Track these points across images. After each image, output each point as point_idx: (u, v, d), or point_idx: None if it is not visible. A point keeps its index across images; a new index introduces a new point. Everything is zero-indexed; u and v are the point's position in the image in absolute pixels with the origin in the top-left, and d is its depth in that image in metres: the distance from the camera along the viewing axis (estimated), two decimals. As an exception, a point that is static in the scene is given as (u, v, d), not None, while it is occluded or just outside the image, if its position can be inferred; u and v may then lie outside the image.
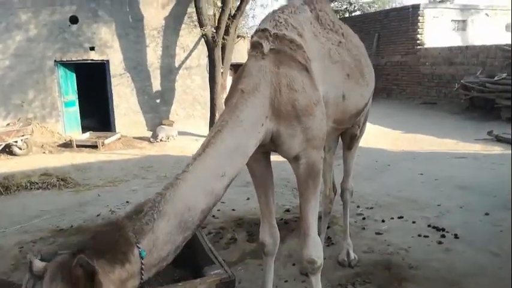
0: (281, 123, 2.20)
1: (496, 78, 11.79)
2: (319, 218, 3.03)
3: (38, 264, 1.61)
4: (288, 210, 5.21)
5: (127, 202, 5.86)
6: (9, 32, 10.76)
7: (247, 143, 2.06)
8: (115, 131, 11.52)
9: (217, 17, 11.32)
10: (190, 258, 2.43)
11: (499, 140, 8.93)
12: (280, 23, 2.38)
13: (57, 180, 7.09)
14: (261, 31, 2.34)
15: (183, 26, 11.91)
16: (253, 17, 17.77)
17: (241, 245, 4.24)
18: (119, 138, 11.01)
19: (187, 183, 1.86)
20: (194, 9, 11.05)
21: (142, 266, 1.70)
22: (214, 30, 10.84)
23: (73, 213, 5.50)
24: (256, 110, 2.11)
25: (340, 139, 3.64)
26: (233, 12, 11.24)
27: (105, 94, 11.84)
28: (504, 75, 11.64)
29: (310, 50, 2.41)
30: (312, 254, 2.48)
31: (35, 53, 10.96)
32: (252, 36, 2.41)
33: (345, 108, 2.70)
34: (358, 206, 5.13)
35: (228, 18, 10.91)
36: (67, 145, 10.40)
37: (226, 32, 10.96)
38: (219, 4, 11.79)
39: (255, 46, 2.30)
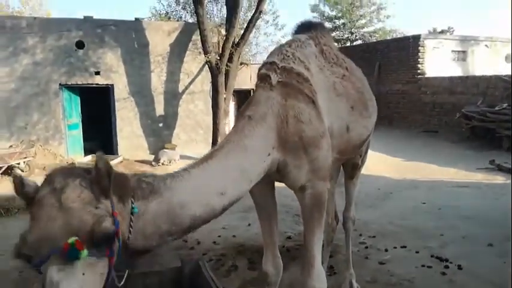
0: (288, 153, 2.21)
1: (496, 108, 11.88)
2: (322, 247, 3.01)
3: (30, 183, 1.53)
4: (289, 238, 5.17)
5: (128, 227, 5.82)
6: (16, 56, 10.94)
7: (251, 168, 2.06)
8: (117, 154, 11.55)
9: (221, 44, 11.53)
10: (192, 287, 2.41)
11: (500, 169, 8.93)
12: (288, 56, 2.44)
13: (59, 204, 7.06)
14: (269, 64, 2.39)
15: (188, 52, 12.12)
16: (256, 45, 18.13)
17: (242, 272, 4.18)
18: (121, 162, 11.03)
19: (186, 182, 1.82)
20: (199, 37, 11.27)
21: (131, 223, 1.62)
22: (218, 57, 11.02)
23: (73, 237, 5.45)
24: (261, 139, 2.13)
25: (341, 168, 3.66)
26: (237, 40, 11.46)
27: (108, 117, 11.95)
28: (505, 105, 11.73)
29: (316, 83, 2.46)
30: (315, 285, 2.45)
31: (41, 76, 11.11)
32: (259, 69, 2.46)
33: (349, 140, 2.73)
34: (360, 234, 5.09)
35: (232, 46, 11.11)
36: (69, 168, 10.40)
37: (230, 59, 11.15)
38: (223, 32, 12.04)
39: (263, 78, 2.34)
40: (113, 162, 10.55)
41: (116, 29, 11.48)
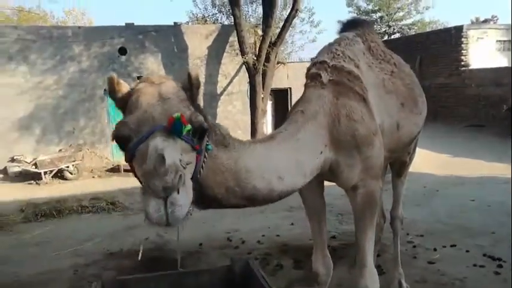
0: (340, 152, 2.21)
1: (548, 99, 11.25)
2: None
3: (123, 82, 1.71)
4: (334, 237, 5.14)
5: (173, 227, 5.97)
6: (63, 64, 11.46)
7: (305, 162, 2.07)
8: (159, 156, 11.83)
9: (257, 44, 11.58)
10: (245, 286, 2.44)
11: (554, 163, 8.45)
12: (338, 55, 2.43)
13: (107, 204, 7.37)
14: (320, 63, 2.39)
15: (225, 54, 12.27)
16: (292, 43, 18.05)
17: (287, 272, 4.20)
18: (163, 163, 11.29)
19: (252, 153, 1.90)
20: (236, 39, 11.37)
21: (205, 159, 1.71)
22: (255, 58, 11.08)
23: (122, 237, 5.66)
24: (313, 135, 2.14)
25: (388, 166, 3.59)
26: (273, 39, 11.47)
27: (150, 121, 12.25)
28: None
29: (366, 80, 2.44)
30: (368, 285, 2.43)
31: (87, 83, 11.58)
32: (309, 68, 2.46)
33: (399, 137, 2.69)
34: (407, 234, 4.98)
35: (269, 46, 11.14)
36: (115, 170, 10.79)
37: (267, 59, 11.19)
38: (260, 32, 12.08)
39: (314, 77, 2.35)
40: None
41: (156, 35, 11.80)
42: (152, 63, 11.85)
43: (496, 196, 6.53)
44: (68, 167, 10.06)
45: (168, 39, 11.92)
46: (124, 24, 11.94)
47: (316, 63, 2.42)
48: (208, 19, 17.18)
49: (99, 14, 44.96)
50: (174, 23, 12.68)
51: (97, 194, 8.19)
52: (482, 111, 15.06)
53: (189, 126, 1.53)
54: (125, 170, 10.57)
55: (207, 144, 1.72)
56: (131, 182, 9.66)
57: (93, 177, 10.44)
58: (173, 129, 1.50)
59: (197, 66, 12.04)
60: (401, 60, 3.06)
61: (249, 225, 5.79)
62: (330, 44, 2.59)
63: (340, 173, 2.28)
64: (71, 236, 5.80)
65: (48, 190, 9.09)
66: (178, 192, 1.43)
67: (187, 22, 16.81)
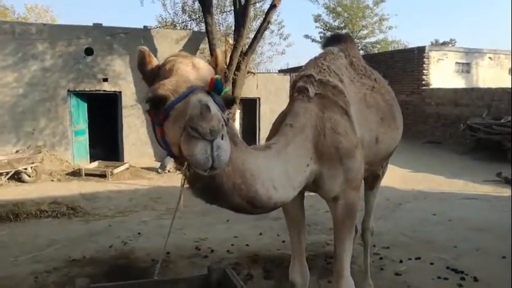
0: (324, 164, 2.26)
1: (502, 121, 11.92)
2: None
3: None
4: (303, 248, 5.16)
5: (138, 234, 5.82)
6: (25, 62, 10.98)
7: (294, 175, 2.11)
8: (123, 161, 11.55)
9: (228, 53, 11.59)
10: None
11: (507, 182, 8.93)
12: (324, 69, 2.52)
13: (67, 209, 7.07)
14: (306, 77, 2.47)
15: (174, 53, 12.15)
16: (261, 54, 18.22)
17: (258, 282, 4.18)
18: (127, 168, 11.03)
19: (255, 158, 1.94)
20: (207, 46, 11.34)
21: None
22: (226, 66, 11.07)
23: (84, 243, 5.44)
24: (300, 148, 2.17)
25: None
26: (244, 49, 11.53)
27: (115, 124, 11.98)
28: (510, 117, 11.77)
29: (349, 94, 2.51)
30: (345, 296, 2.46)
31: (49, 83, 11.15)
32: (295, 81, 2.53)
33: (378, 151, 2.77)
34: (374, 245, 5.07)
35: (240, 55, 11.18)
36: (76, 174, 10.40)
37: (238, 68, 11.22)
38: (231, 41, 12.12)
39: (301, 90, 2.42)
40: (119, 169, 10.58)
41: (124, 37, 11.55)
42: (119, 66, 11.58)
43: (457, 211, 6.81)
44: (26, 169, 9.58)
45: (137, 42, 11.67)
46: (92, 25, 11.63)
47: (303, 76, 2.49)
48: (178, 25, 17.05)
49: (63, 12, 43.65)
50: (144, 26, 12.49)
51: (56, 198, 7.83)
52: (440, 129, 15.75)
53: (227, 88, 1.66)
54: (86, 175, 10.24)
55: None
56: (92, 186, 9.40)
57: (53, 180, 10.01)
58: (215, 87, 1.62)
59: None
60: (380, 77, 3.17)
61: (217, 234, 5.73)
62: (316, 58, 2.66)
63: (323, 184, 2.32)
64: (29, 241, 5.51)
65: (4, 192, 8.62)
66: (222, 138, 1.50)
67: (157, 27, 16.61)
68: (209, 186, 1.76)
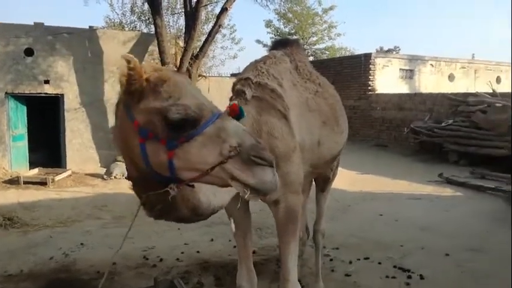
0: None
1: (443, 124, 12.56)
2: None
3: None
4: (254, 252, 5.08)
5: (81, 244, 5.50)
6: (-44, 61, 10.19)
7: None
8: (65, 167, 10.97)
9: (178, 56, 11.39)
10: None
11: (449, 182, 9.39)
12: (262, 72, 2.51)
13: (3, 220, 6.55)
14: (244, 79, 2.46)
15: (144, 63, 11.78)
16: (213, 57, 18.12)
17: (208, 289, 4.06)
18: (70, 175, 10.47)
19: None
20: (156, 48, 11.06)
21: None
22: (176, 69, 10.86)
23: (22, 256, 5.07)
24: None
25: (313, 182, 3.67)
26: (195, 52, 11.38)
27: (57, 129, 11.37)
28: (450, 121, 12.44)
29: (289, 98, 2.52)
30: (291, 300, 2.42)
31: (-16, 84, 10.40)
32: (234, 84, 2.51)
33: (320, 154, 2.79)
34: (324, 247, 5.10)
35: (191, 58, 11.01)
36: (13, 181, 9.72)
37: (188, 71, 11.02)
38: (181, 44, 11.91)
39: (239, 94, 2.40)
40: (61, 176, 10.03)
41: (68, 37, 11.01)
42: (62, 67, 11.01)
43: (403, 211, 7.03)
44: (-45, 177, 8.86)
45: (82, 43, 11.20)
46: (32, 24, 10.99)
47: (241, 79, 2.49)
48: (126, 26, 16.57)
49: (1, 10, 41.09)
50: (90, 26, 11.99)
51: (-9, 207, 7.29)
52: (385, 133, 16.36)
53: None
54: (25, 182, 9.60)
55: None
56: (31, 195, 8.83)
57: (-13, 188, 9.31)
58: (240, 114, 1.79)
59: (113, 73, 11.47)
60: (326, 81, 3.21)
61: (166, 241, 5.53)
62: (256, 61, 2.67)
63: None
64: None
65: None
66: None
67: (104, 27, 16.05)
68: (168, 205, 1.73)
